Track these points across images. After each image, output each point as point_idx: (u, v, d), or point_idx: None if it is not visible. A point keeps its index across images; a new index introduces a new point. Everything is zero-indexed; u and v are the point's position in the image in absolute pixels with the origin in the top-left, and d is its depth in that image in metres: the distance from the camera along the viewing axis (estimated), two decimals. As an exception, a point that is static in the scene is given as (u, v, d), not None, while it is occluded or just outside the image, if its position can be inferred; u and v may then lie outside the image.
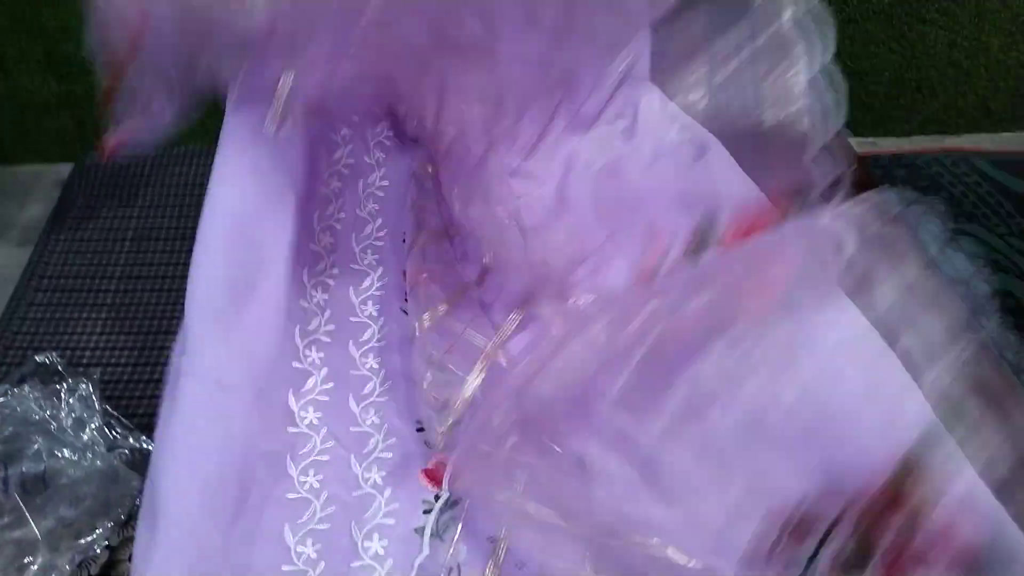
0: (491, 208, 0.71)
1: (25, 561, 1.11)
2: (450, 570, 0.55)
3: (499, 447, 0.54)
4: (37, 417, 1.24)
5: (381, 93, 0.76)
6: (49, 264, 1.54)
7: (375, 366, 0.70)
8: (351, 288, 0.80)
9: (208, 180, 1.70)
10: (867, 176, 0.73)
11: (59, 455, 1.21)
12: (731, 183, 0.69)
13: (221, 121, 1.80)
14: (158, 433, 0.68)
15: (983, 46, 1.81)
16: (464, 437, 0.58)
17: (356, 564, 0.61)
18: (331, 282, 0.79)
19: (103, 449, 1.23)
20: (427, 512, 0.60)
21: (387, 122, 0.82)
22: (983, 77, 1.86)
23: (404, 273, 0.77)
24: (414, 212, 0.80)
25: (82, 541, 1.15)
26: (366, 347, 0.74)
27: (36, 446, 1.21)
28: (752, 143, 0.73)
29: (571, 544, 0.51)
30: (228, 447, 0.63)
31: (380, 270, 0.76)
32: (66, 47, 1.63)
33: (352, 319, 0.78)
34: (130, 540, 1.15)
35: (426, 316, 0.69)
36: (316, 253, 0.83)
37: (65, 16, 1.58)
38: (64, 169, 1.77)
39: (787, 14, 0.75)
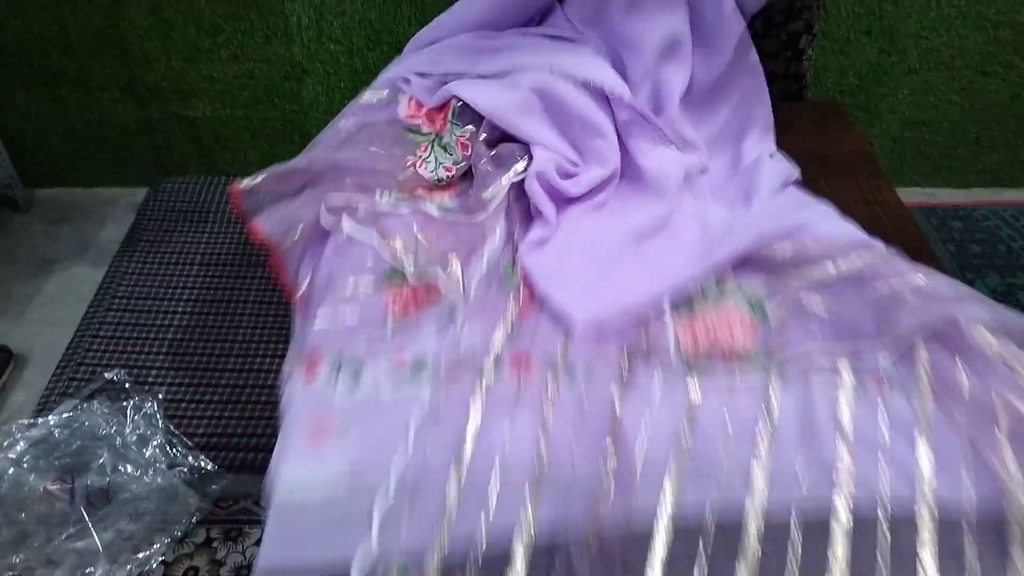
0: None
1: (86, 571, 1.15)
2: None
3: None
4: (104, 432, 1.29)
5: None
6: (121, 285, 1.61)
7: None
8: None
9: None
10: (915, 230, 0.74)
11: (123, 470, 1.26)
12: None
13: (290, 150, 1.86)
14: None
15: (1046, 99, 1.80)
16: None
17: None
18: None
19: (164, 466, 1.27)
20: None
21: None
22: (1045, 131, 1.85)
23: None
24: None
25: (140, 555, 1.19)
26: None
27: (102, 460, 1.26)
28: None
29: None
30: None
31: None
32: (146, 74, 1.72)
33: None
34: (186, 556, 1.19)
35: None
36: None
37: (147, 44, 1.67)
38: (139, 193, 1.85)
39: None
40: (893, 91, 1.79)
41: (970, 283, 1.64)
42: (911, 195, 1.90)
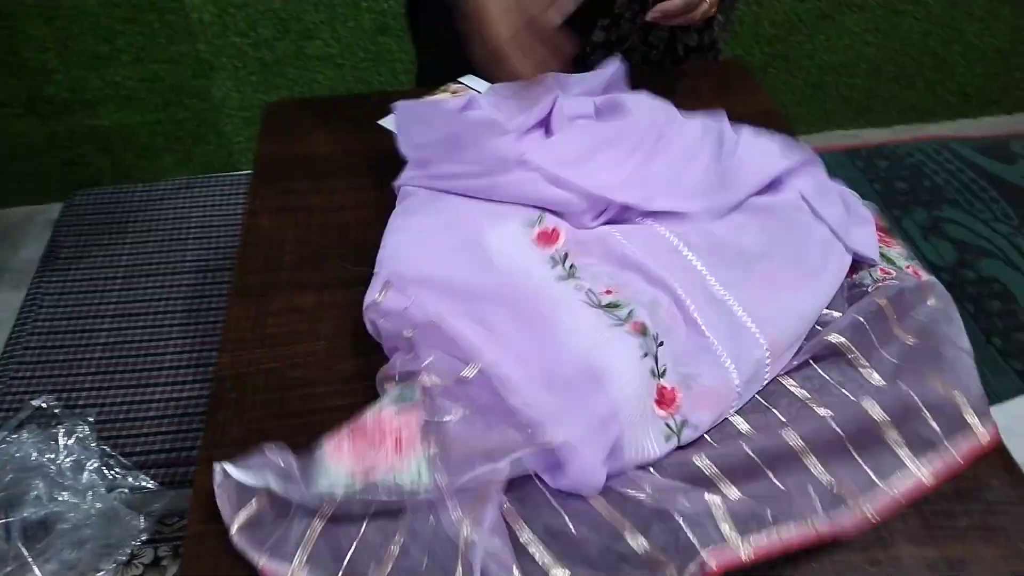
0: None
1: (31, 606, 1.12)
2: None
3: None
4: (36, 462, 1.25)
5: None
6: (42, 307, 1.56)
7: None
8: None
9: (195, 211, 1.72)
10: None
11: (60, 499, 1.22)
12: None
13: (206, 151, 1.82)
14: None
15: (958, 33, 1.82)
16: None
17: None
18: None
19: (103, 490, 1.24)
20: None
21: None
22: (960, 64, 1.87)
23: None
24: None
25: (86, 582, 1.16)
26: None
27: (36, 491, 1.22)
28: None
29: None
30: None
31: None
32: (46, 87, 1.65)
33: None
34: (135, 579, 1.17)
35: None
36: None
37: (44, 55, 1.60)
38: (54, 209, 1.79)
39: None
40: (809, 38, 1.80)
41: (897, 220, 1.68)
42: (837, 138, 1.92)
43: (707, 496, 0.48)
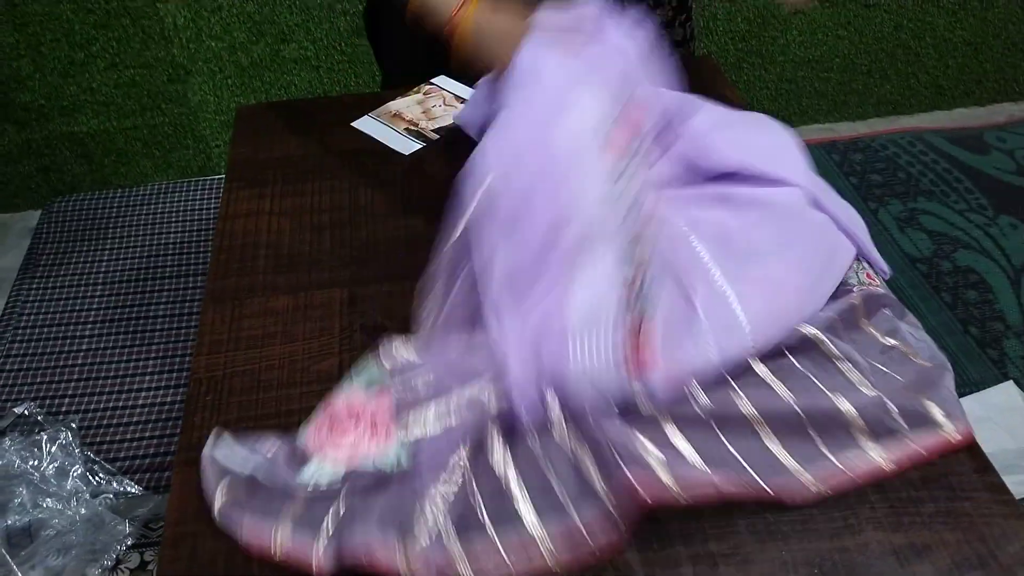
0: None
1: (17, 614, 1.12)
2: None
3: None
4: (19, 469, 1.25)
5: None
6: (24, 314, 1.55)
7: None
8: None
9: (175, 216, 1.72)
10: None
11: (44, 505, 1.22)
12: None
13: (184, 155, 1.82)
14: None
15: (929, 26, 1.84)
16: None
17: None
18: None
19: (87, 496, 1.24)
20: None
21: None
22: (932, 57, 1.89)
23: None
24: None
25: (72, 589, 1.16)
26: None
27: (20, 499, 1.22)
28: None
29: None
30: None
31: None
32: (21, 94, 1.64)
33: None
34: (121, 585, 1.17)
35: None
36: None
37: (17, 63, 1.59)
38: (33, 216, 1.78)
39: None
40: (783, 32, 1.81)
41: (873, 212, 1.69)
42: (812, 132, 1.94)
43: (648, 436, 0.51)
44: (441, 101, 0.87)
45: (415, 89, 0.88)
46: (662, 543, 0.49)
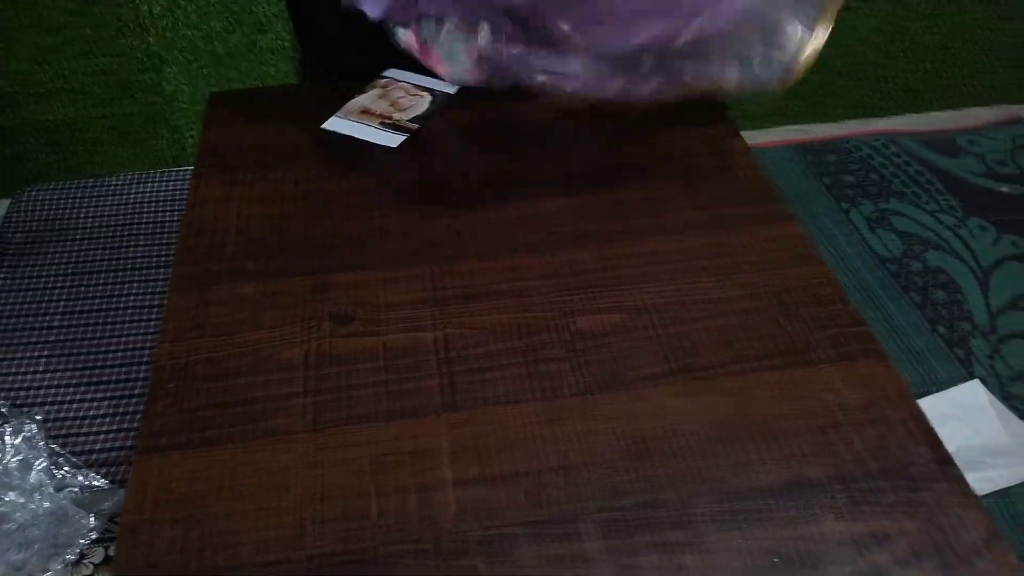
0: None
1: (-22, 608, 1.10)
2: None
3: None
4: (-19, 463, 1.23)
5: None
6: (-11, 304, 1.53)
7: None
8: None
9: (147, 207, 1.70)
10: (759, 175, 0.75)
11: (6, 499, 1.20)
12: None
13: (158, 145, 1.80)
14: None
15: (903, 30, 1.86)
16: None
17: None
18: None
19: (51, 489, 1.22)
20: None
21: None
22: (905, 60, 1.91)
23: None
24: None
25: (36, 583, 1.14)
26: None
27: (-18, 492, 1.20)
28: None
29: None
30: None
31: None
32: (-8, 83, 1.62)
33: None
34: (86, 579, 1.16)
35: None
36: None
37: (-11, 51, 1.57)
38: (1, 205, 1.76)
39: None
40: (760, 33, 1.82)
41: (845, 212, 1.71)
42: (788, 133, 1.95)
43: None
44: (404, 92, 0.87)
45: (370, 84, 0.88)
46: (621, 532, 0.49)
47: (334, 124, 0.83)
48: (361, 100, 0.86)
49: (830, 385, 0.58)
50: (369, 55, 0.87)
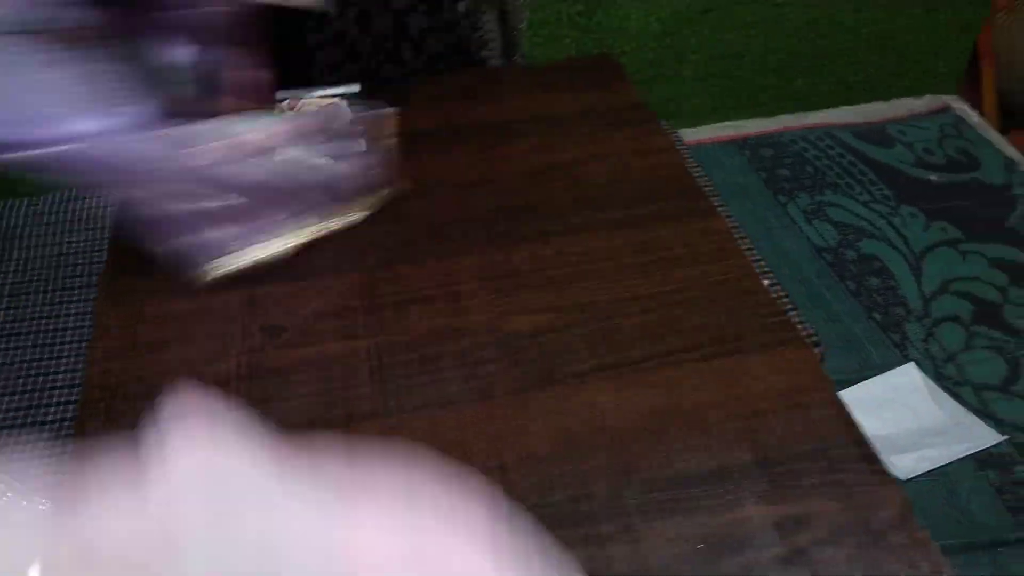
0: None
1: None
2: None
3: None
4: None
5: None
6: (-78, 330, 1.49)
7: None
8: None
9: (82, 224, 1.67)
10: (685, 174, 0.75)
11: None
12: None
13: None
14: None
15: (837, 24, 1.90)
16: None
17: None
18: None
19: None
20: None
21: None
22: (839, 53, 1.96)
23: None
24: None
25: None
26: None
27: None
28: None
29: None
30: None
31: None
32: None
33: None
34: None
35: None
36: None
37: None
38: (-68, 228, 1.71)
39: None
40: (696, 31, 1.85)
41: (783, 205, 1.75)
42: (725, 129, 1.99)
43: None
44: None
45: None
46: (550, 526, 0.50)
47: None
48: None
49: (754, 373, 0.60)
50: None
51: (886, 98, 2.08)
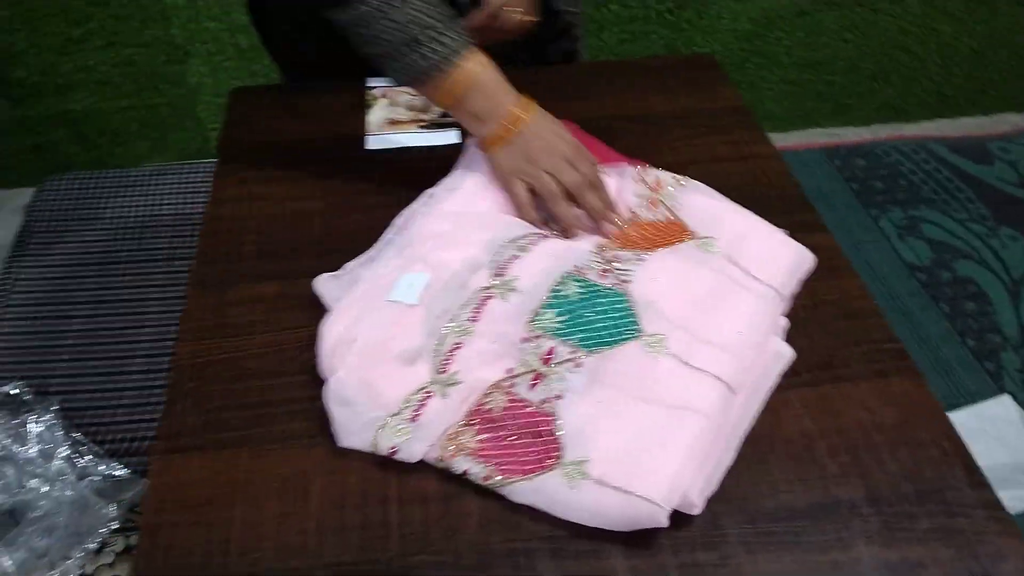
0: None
1: (-2, 595, 1.11)
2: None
3: None
4: (4, 450, 1.24)
5: None
6: (14, 292, 1.53)
7: None
8: None
9: (169, 199, 1.71)
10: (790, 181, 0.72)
11: (29, 487, 1.21)
12: None
13: (182, 137, 1.80)
14: None
15: (934, 33, 1.82)
16: None
17: None
18: None
19: (73, 478, 1.23)
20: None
21: None
22: (936, 63, 1.88)
23: None
24: None
25: (56, 571, 1.15)
26: None
27: (5, 480, 1.21)
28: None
29: None
30: None
31: None
32: (15, 70, 1.62)
33: None
34: (106, 567, 1.16)
35: None
36: None
37: (12, 37, 1.57)
38: (26, 194, 1.76)
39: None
40: (788, 34, 1.79)
41: (874, 220, 1.68)
42: (815, 136, 1.93)
43: None
44: (409, 95, 0.86)
45: (369, 98, 0.87)
46: (651, 551, 0.48)
47: (377, 143, 0.82)
48: (379, 113, 0.85)
49: (863, 403, 0.56)
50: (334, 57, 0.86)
51: (986, 112, 1.99)
